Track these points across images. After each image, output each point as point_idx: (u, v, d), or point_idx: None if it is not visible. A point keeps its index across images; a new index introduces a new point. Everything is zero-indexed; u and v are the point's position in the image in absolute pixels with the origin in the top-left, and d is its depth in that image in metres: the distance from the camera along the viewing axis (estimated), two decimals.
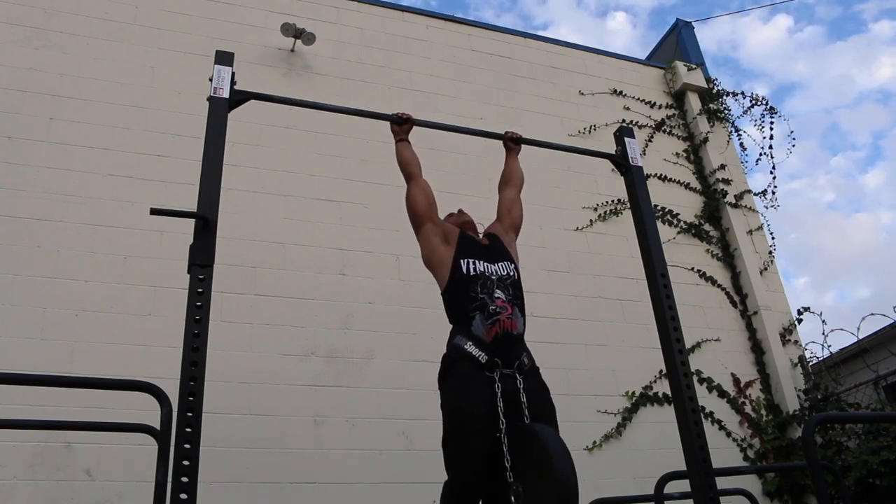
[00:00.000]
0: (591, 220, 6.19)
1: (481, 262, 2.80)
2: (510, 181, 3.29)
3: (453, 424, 2.56)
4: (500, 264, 2.84)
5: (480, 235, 3.10)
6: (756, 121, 7.22)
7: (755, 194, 7.01)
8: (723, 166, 6.94)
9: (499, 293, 2.70)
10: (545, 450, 2.34)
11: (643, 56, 8.44)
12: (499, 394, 2.51)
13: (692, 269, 6.30)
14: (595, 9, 39.33)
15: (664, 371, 4.05)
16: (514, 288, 2.78)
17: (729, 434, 5.59)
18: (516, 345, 2.66)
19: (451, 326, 2.79)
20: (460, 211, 3.19)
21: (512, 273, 2.84)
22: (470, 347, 2.62)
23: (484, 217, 3.27)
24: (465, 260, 2.80)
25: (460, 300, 2.72)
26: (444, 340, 2.80)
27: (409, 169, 3.06)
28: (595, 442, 5.11)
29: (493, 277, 2.76)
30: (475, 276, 2.75)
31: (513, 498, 2.41)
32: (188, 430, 2.02)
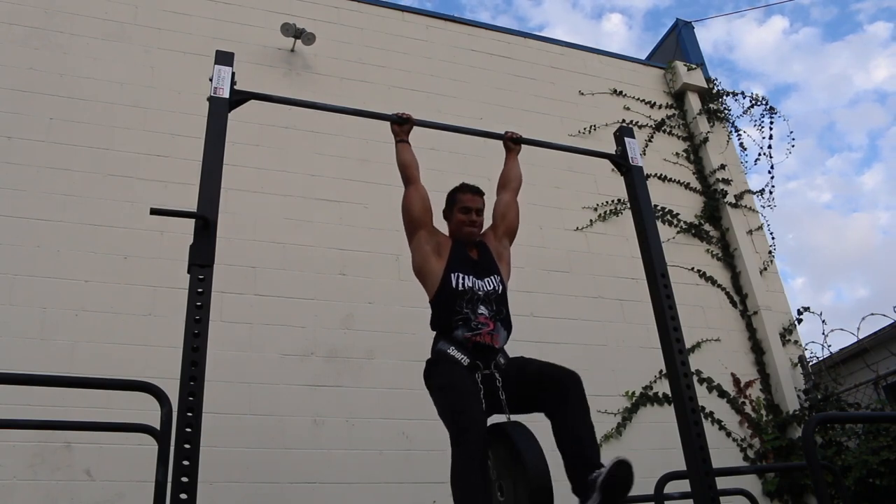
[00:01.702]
0: (591, 220, 6.19)
1: (470, 278, 2.86)
2: (508, 184, 3.27)
3: (448, 394, 2.61)
4: (487, 279, 2.90)
5: (483, 231, 3.11)
6: (756, 121, 7.24)
7: (753, 193, 7.02)
8: (723, 166, 6.94)
9: (482, 309, 2.80)
10: (516, 446, 2.45)
11: (641, 57, 8.44)
12: (481, 393, 2.62)
13: (692, 269, 6.30)
14: (590, 10, 39.38)
15: (664, 371, 4.05)
16: (497, 303, 2.86)
17: (729, 434, 5.59)
18: (494, 354, 2.79)
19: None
20: (476, 214, 3.05)
21: (497, 287, 2.90)
22: (453, 352, 2.74)
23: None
24: (456, 274, 2.86)
25: (446, 312, 2.81)
26: (433, 338, 2.86)
27: (409, 172, 3.06)
28: None
29: (480, 293, 2.84)
30: (463, 291, 2.82)
31: (499, 493, 2.53)
32: (188, 430, 2.02)
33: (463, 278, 2.85)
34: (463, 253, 2.97)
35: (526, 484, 2.37)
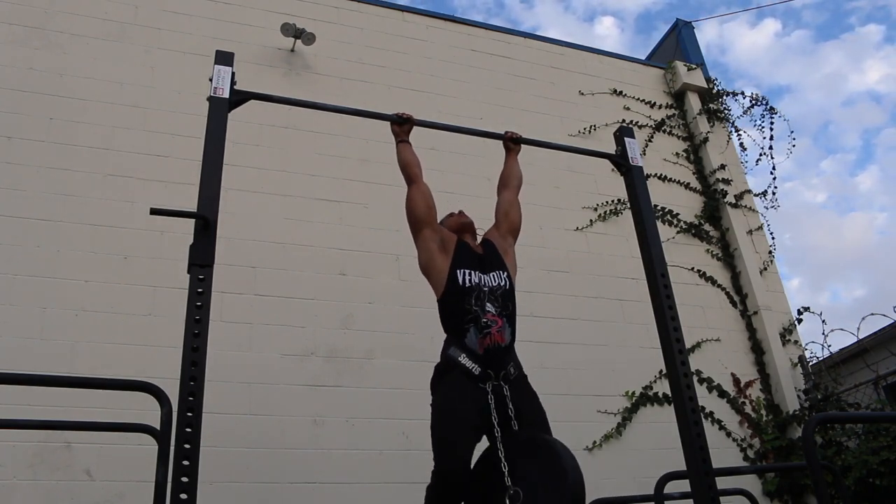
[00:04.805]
0: (591, 220, 6.19)
1: (476, 273, 2.85)
2: (508, 183, 3.28)
3: (443, 421, 2.64)
4: (492, 274, 2.89)
5: (479, 240, 3.11)
6: (756, 121, 7.24)
7: (755, 195, 7.01)
8: (723, 166, 6.94)
9: (489, 306, 2.78)
10: (557, 459, 2.41)
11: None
12: (492, 404, 2.61)
13: (692, 269, 6.30)
14: (583, 13, 39.47)
15: (664, 371, 4.05)
16: (504, 298, 2.85)
17: (729, 434, 5.58)
18: (504, 355, 2.75)
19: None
20: (461, 213, 3.19)
21: (504, 283, 2.89)
22: (464, 360, 2.70)
23: (484, 218, 3.27)
24: (462, 271, 2.84)
25: (455, 312, 2.79)
26: (444, 340, 2.82)
27: (410, 171, 3.06)
28: (595, 442, 5.11)
29: (486, 289, 2.82)
30: (470, 287, 2.80)
31: (508, 501, 2.48)
32: (188, 430, 2.01)
33: (469, 274, 2.83)
34: (468, 249, 2.97)
35: (563, 488, 2.33)
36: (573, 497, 2.31)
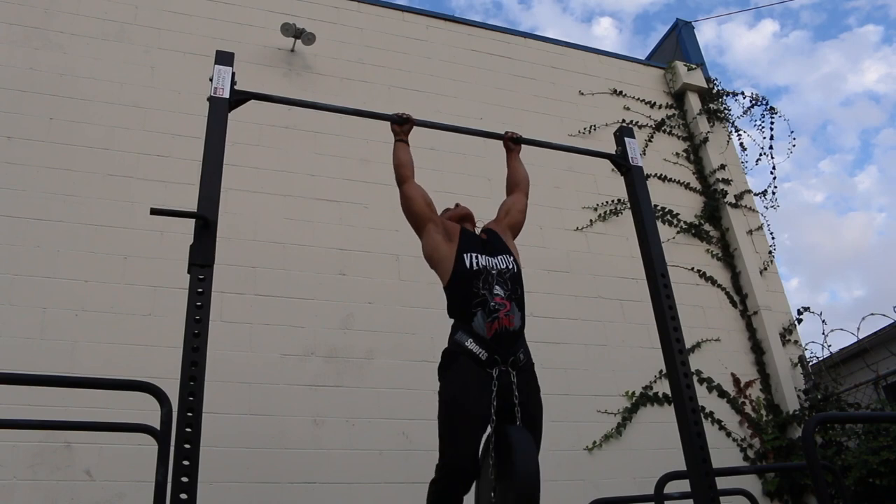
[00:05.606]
0: (591, 220, 6.19)
1: (483, 257, 2.83)
2: (518, 185, 3.29)
3: (449, 414, 2.62)
4: (499, 258, 2.87)
5: (479, 231, 3.12)
6: (756, 121, 7.24)
7: (755, 195, 7.01)
8: (723, 166, 6.94)
9: (498, 289, 2.75)
10: (511, 448, 2.42)
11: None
12: (494, 392, 2.59)
13: (692, 269, 6.30)
14: (581, 14, 39.44)
15: (664, 371, 4.05)
16: (512, 282, 2.81)
17: (729, 434, 5.59)
18: (514, 341, 2.71)
19: (451, 322, 2.82)
20: (457, 204, 3.22)
21: (511, 266, 2.87)
22: (471, 344, 2.67)
23: (484, 218, 3.27)
24: (468, 254, 2.83)
25: (463, 296, 2.76)
26: (444, 340, 2.82)
27: (403, 172, 3.07)
28: (595, 442, 5.11)
29: (494, 272, 2.79)
30: (477, 270, 2.78)
31: (492, 494, 2.52)
32: (188, 430, 2.02)
33: (476, 257, 2.82)
34: (472, 235, 2.99)
35: (513, 490, 2.35)
36: (523, 490, 2.32)
